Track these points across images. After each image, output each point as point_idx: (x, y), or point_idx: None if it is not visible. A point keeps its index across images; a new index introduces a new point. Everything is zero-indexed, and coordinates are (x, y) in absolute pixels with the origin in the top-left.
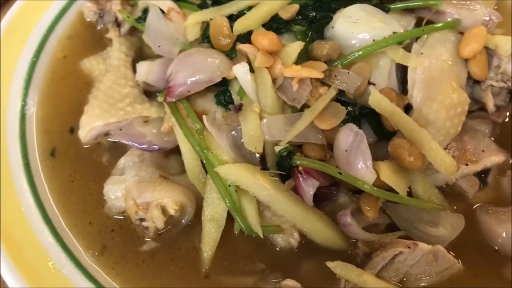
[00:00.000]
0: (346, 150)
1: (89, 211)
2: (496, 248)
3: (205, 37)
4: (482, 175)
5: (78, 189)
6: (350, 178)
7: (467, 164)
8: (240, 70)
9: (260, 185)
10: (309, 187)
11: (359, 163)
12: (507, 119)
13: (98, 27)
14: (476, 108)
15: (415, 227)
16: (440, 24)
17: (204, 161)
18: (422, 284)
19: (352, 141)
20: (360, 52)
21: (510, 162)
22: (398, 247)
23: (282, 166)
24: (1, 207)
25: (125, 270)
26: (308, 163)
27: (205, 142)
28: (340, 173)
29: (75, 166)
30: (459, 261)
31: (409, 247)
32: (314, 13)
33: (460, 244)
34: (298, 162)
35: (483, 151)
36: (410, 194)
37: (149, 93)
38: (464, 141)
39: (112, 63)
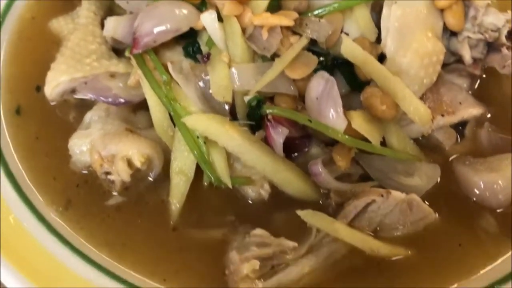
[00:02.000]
0: (317, 98)
1: (54, 167)
2: (474, 199)
3: None
4: (459, 128)
5: (43, 146)
6: (320, 126)
7: (443, 115)
8: (207, 19)
9: (229, 135)
10: (279, 135)
11: (330, 110)
12: (484, 75)
13: None
14: (453, 61)
15: (389, 177)
16: None
17: (171, 113)
18: (396, 233)
19: (322, 89)
20: (336, 5)
21: (488, 116)
22: (370, 195)
23: (252, 117)
24: None
25: (90, 224)
26: (277, 112)
27: (172, 93)
28: (310, 121)
29: (40, 124)
30: (436, 212)
31: (382, 196)
32: None
33: (436, 195)
34: (268, 111)
35: (460, 103)
36: (384, 145)
37: (118, 51)
38: (440, 93)
39: (80, 22)
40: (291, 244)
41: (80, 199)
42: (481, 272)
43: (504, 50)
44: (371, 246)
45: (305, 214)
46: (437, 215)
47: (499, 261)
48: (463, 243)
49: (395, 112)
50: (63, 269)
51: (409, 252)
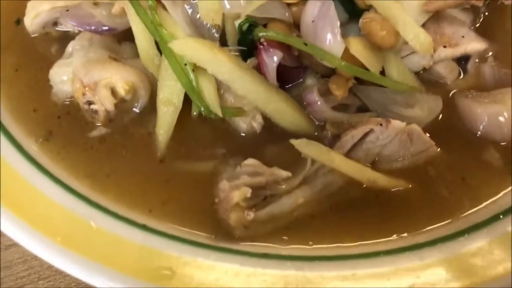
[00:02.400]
0: (312, 21)
1: (34, 98)
2: (478, 133)
3: None
4: (461, 62)
5: (23, 77)
6: (316, 50)
7: (445, 46)
8: None
9: (218, 61)
10: (272, 59)
11: (327, 33)
12: (486, 13)
13: None
14: None
15: (388, 109)
16: None
17: (158, 40)
18: (396, 166)
19: (319, 10)
20: None
21: (490, 52)
22: (369, 124)
23: (243, 43)
24: None
25: (71, 155)
26: (271, 34)
27: (158, 18)
28: (306, 44)
29: (20, 56)
30: (438, 146)
31: (381, 125)
32: None
33: (437, 128)
34: (260, 33)
35: (462, 37)
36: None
37: None
38: (442, 26)
39: None
40: (285, 173)
41: (62, 130)
42: (483, 204)
43: None
44: (368, 177)
45: (299, 143)
46: (438, 149)
47: (501, 194)
48: (466, 177)
49: (395, 39)
50: (43, 198)
51: (409, 185)
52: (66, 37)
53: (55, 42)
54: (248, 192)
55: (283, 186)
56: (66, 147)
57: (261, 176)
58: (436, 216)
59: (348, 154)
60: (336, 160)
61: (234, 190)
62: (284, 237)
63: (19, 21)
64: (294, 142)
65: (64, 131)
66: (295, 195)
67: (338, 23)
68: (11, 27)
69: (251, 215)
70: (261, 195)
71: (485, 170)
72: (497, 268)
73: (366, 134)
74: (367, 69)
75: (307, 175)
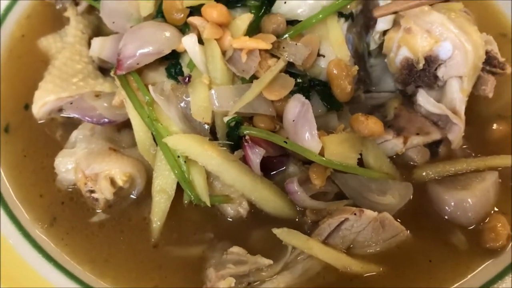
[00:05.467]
0: (293, 120)
1: (40, 184)
2: (445, 217)
3: (159, 13)
4: (433, 146)
5: (31, 163)
6: (296, 147)
7: (418, 134)
8: (188, 41)
9: (208, 155)
10: (256, 155)
11: (306, 133)
12: None
13: (57, 7)
14: None
15: (363, 196)
16: None
17: (154, 133)
18: (369, 250)
19: (299, 111)
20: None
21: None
22: (344, 213)
23: (231, 137)
24: None
25: (74, 241)
26: (254, 132)
27: (154, 113)
28: (286, 142)
29: (28, 141)
30: (408, 230)
31: (355, 214)
32: None
33: (409, 213)
34: (245, 131)
35: (435, 124)
36: (361, 163)
37: (104, 70)
38: (416, 114)
39: (68, 40)
40: (267, 261)
41: (65, 216)
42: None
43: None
44: (343, 263)
45: (280, 232)
46: (409, 232)
47: (468, 277)
48: (434, 259)
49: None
50: (46, 285)
51: (381, 269)
52: (70, 123)
53: (60, 127)
54: (232, 282)
55: (265, 273)
56: (69, 232)
57: (245, 264)
58: None
59: (326, 240)
60: (314, 248)
61: (220, 280)
62: None
63: (27, 106)
64: (276, 231)
65: (67, 216)
66: (277, 281)
67: (315, 125)
68: (21, 111)
69: None
70: (245, 282)
71: (452, 253)
72: None
73: (342, 222)
74: None
75: (288, 261)
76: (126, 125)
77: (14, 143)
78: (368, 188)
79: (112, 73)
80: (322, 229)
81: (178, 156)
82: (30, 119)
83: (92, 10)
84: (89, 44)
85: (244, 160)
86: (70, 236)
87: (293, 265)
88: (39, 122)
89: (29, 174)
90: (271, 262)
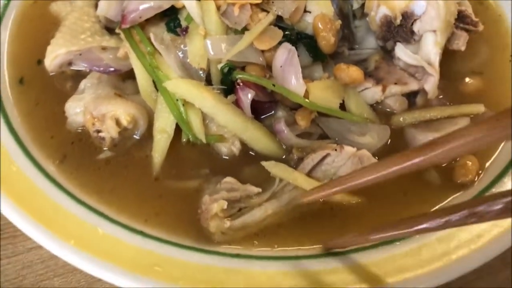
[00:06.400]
0: (281, 66)
1: (51, 128)
2: None
3: None
4: (411, 97)
5: (43, 110)
6: (283, 90)
7: (396, 83)
8: None
9: (204, 98)
10: (246, 96)
11: (292, 77)
12: None
13: None
14: None
15: (345, 137)
16: None
17: (155, 80)
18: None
19: (285, 58)
20: None
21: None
22: (326, 149)
23: (224, 82)
24: None
25: (82, 175)
26: (246, 76)
27: (155, 62)
28: (274, 85)
29: (40, 92)
30: None
31: (335, 150)
32: None
33: (386, 153)
34: (237, 76)
35: (412, 76)
36: (344, 109)
37: (110, 30)
38: (395, 64)
39: (77, 4)
40: (256, 189)
41: (74, 154)
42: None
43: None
44: None
45: (268, 165)
46: None
47: (436, 207)
48: (409, 193)
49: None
50: (61, 209)
51: (359, 200)
52: (79, 75)
53: (70, 79)
54: (224, 204)
55: (255, 200)
56: (78, 168)
57: (236, 191)
58: None
59: (309, 174)
60: (299, 179)
61: (213, 203)
62: (255, 242)
63: (40, 62)
64: (264, 163)
65: (76, 155)
66: (265, 207)
67: (300, 69)
68: (34, 66)
69: (227, 223)
70: (236, 207)
71: (425, 188)
72: (424, 268)
73: (324, 158)
74: None
75: (275, 191)
76: (129, 75)
77: (28, 93)
78: (349, 130)
79: (117, 29)
80: (306, 164)
81: (177, 99)
82: (43, 72)
83: None
84: (96, 7)
85: (237, 103)
86: (79, 171)
87: (280, 195)
88: (51, 74)
89: (41, 119)
90: (259, 190)
